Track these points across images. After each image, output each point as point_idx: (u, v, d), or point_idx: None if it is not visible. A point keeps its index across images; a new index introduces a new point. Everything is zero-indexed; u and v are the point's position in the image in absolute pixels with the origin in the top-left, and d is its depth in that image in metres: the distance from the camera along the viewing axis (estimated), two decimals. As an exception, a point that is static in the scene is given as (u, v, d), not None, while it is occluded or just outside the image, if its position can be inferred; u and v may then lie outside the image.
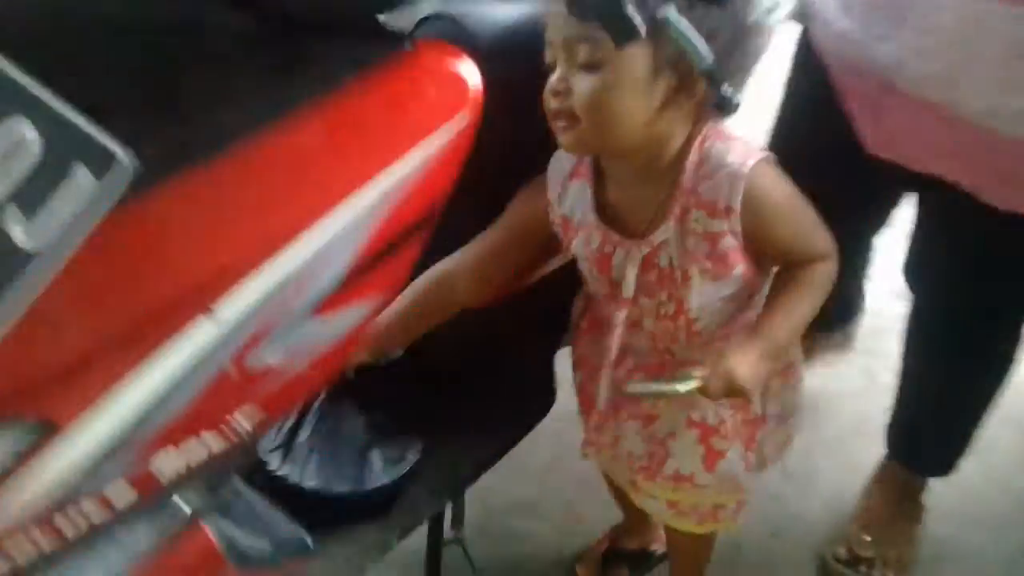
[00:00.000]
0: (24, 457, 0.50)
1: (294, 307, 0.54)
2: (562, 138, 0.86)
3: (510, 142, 0.76)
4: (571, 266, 1.07)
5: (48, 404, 0.50)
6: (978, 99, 1.00)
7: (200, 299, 0.52)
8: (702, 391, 0.93)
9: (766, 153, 0.97)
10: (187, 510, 0.57)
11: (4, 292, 0.42)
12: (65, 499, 0.51)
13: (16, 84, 0.44)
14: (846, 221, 1.03)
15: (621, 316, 1.02)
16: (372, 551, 1.12)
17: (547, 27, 0.82)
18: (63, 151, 0.42)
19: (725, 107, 0.86)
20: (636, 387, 1.03)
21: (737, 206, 0.93)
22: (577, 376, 1.15)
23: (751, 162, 0.93)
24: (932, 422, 1.48)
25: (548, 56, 0.82)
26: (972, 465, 1.52)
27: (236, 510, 0.80)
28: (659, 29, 0.80)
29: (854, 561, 1.45)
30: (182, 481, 0.55)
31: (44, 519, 0.51)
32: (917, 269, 1.35)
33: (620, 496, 1.28)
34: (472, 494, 1.33)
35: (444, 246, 0.87)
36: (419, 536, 1.29)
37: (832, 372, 1.70)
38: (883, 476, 1.52)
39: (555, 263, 1.13)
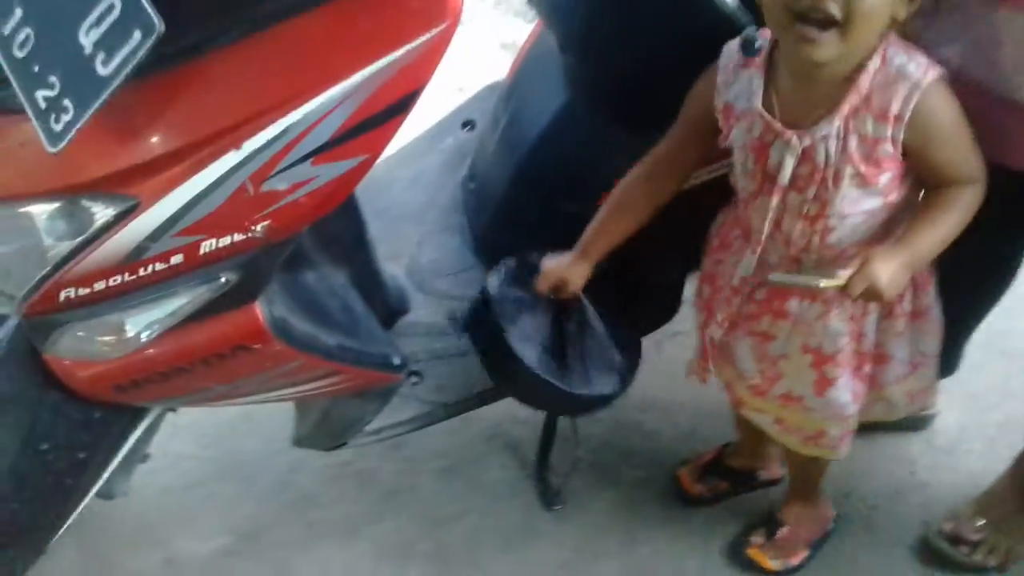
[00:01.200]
0: (119, 218, 0.80)
1: (296, 152, 0.80)
2: (813, 48, 0.95)
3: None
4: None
5: (136, 187, 0.80)
6: None
7: (233, 137, 0.78)
8: (843, 289, 1.05)
9: (943, 71, 1.03)
10: (224, 280, 0.86)
11: (88, 109, 0.70)
12: (141, 250, 0.82)
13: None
14: None
15: (773, 202, 1.11)
16: (480, 396, 1.41)
17: None
18: (130, 16, 0.69)
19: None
20: (780, 276, 1.13)
21: (907, 116, 1.01)
22: (704, 290, 1.31)
23: (931, 76, 1.01)
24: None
25: None
26: None
27: (310, 298, 1.08)
28: None
29: (956, 540, 1.48)
30: (218, 259, 0.84)
31: (125, 265, 0.82)
32: None
33: (739, 415, 1.43)
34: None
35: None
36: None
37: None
38: (1022, 463, 1.51)
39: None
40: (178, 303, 0.86)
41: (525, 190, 1.42)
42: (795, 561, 1.47)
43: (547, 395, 1.30)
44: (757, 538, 1.48)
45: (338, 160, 0.81)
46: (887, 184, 1.08)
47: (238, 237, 0.83)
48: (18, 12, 0.76)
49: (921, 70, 1.01)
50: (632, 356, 1.37)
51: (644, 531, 1.51)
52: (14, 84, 0.75)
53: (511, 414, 1.64)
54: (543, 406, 1.46)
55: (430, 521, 1.54)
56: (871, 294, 1.03)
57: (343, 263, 1.23)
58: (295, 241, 0.88)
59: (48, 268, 0.83)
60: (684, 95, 1.21)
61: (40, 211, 0.82)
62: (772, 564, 1.46)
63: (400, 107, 0.80)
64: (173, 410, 1.23)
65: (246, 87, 0.78)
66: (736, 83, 1.11)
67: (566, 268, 1.27)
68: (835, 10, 0.92)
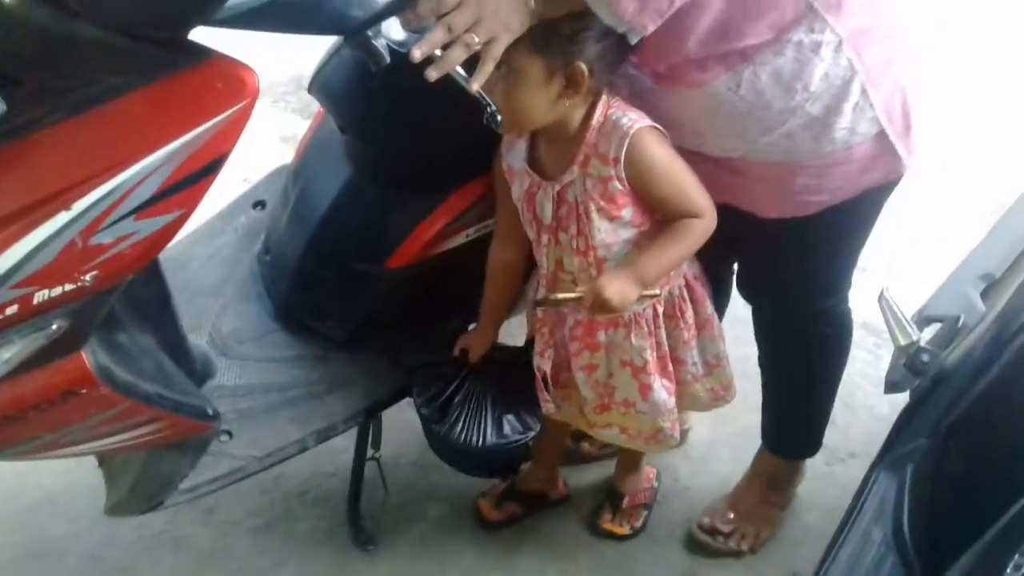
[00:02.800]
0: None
1: (122, 209, 0.96)
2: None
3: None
4: None
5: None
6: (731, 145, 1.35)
7: (61, 199, 0.94)
8: (580, 302, 1.34)
9: (646, 122, 1.30)
10: (55, 327, 0.99)
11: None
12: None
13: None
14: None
15: (544, 240, 1.41)
16: (288, 448, 1.54)
17: None
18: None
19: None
20: (539, 296, 1.45)
21: (621, 156, 1.28)
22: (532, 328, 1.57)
23: (637, 125, 1.28)
24: (785, 408, 1.80)
25: None
26: (858, 467, 1.85)
27: (126, 354, 1.21)
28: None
29: (713, 532, 1.77)
30: (50, 308, 0.97)
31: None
32: (742, 281, 1.68)
33: (542, 442, 1.65)
34: (402, 423, 1.72)
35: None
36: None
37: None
38: (758, 463, 1.84)
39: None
40: (12, 350, 0.99)
41: (318, 256, 1.60)
42: (638, 523, 1.80)
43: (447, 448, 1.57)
44: (607, 514, 1.79)
45: (158, 215, 0.98)
46: (632, 216, 1.35)
47: (69, 287, 0.97)
48: None
49: (631, 122, 1.29)
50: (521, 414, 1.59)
51: (451, 556, 1.69)
52: None
53: (320, 469, 1.79)
54: (452, 460, 1.65)
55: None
56: (603, 306, 1.30)
57: (151, 329, 1.36)
58: (119, 290, 1.03)
59: None
60: (450, 159, 1.48)
61: None
62: (624, 530, 1.79)
63: (210, 169, 0.99)
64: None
65: (76, 157, 0.94)
66: (512, 148, 1.42)
67: (468, 338, 1.58)
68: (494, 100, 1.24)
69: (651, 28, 1.15)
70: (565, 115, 1.31)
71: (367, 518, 1.71)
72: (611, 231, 1.36)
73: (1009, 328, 1.26)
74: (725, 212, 1.39)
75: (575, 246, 1.39)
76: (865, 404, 2.15)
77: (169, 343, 1.39)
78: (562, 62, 1.23)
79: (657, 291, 1.40)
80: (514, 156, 1.42)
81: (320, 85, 1.51)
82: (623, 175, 1.31)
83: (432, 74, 1.10)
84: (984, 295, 1.58)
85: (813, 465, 1.91)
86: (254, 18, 1.05)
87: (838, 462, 2.01)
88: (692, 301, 1.48)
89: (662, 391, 1.50)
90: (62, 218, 0.94)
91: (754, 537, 1.79)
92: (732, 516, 1.79)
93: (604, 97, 1.32)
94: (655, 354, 1.48)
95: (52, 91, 0.93)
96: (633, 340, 1.45)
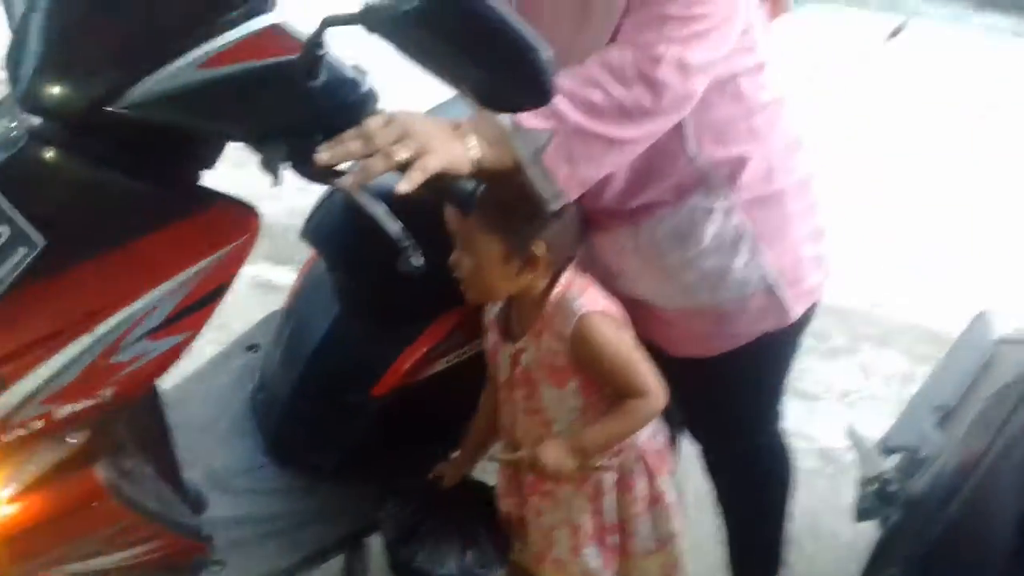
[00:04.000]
0: (-12, 397, 1.06)
1: (138, 331, 1.10)
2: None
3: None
4: None
5: (3, 371, 1.06)
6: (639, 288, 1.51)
7: (85, 324, 1.08)
8: (520, 461, 1.43)
9: (603, 308, 1.39)
10: (74, 442, 1.11)
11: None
12: (7, 419, 1.07)
13: None
14: None
15: (502, 396, 1.52)
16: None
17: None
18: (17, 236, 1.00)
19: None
20: (494, 453, 1.55)
21: (567, 335, 1.37)
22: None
23: (587, 309, 1.37)
24: (740, 540, 1.91)
25: None
26: None
27: (131, 475, 1.32)
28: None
29: None
30: (71, 423, 1.10)
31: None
32: (685, 422, 1.81)
33: None
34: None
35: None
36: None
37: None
38: None
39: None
40: (37, 462, 1.11)
41: (309, 389, 1.75)
42: None
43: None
44: None
45: (170, 336, 1.12)
46: (579, 388, 1.42)
47: (89, 402, 1.10)
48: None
49: (580, 307, 1.37)
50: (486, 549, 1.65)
51: None
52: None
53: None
54: None
55: None
56: (540, 469, 1.40)
57: (151, 458, 1.48)
58: (155, 402, 1.16)
59: (-80, 443, 1.05)
60: (429, 292, 1.64)
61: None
62: None
63: (215, 295, 1.15)
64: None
65: (100, 287, 1.10)
66: (494, 307, 1.54)
67: (444, 467, 1.69)
68: (456, 273, 1.39)
69: (573, 196, 1.24)
70: (528, 287, 1.39)
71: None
72: (558, 399, 1.45)
73: (970, 459, 1.39)
74: (647, 346, 1.52)
75: (524, 408, 1.49)
76: (829, 531, 2.27)
77: (166, 472, 1.50)
78: (520, 242, 1.32)
79: (601, 463, 1.46)
80: (491, 309, 1.55)
81: (312, 230, 1.69)
82: (569, 351, 1.39)
83: (346, 180, 1.09)
84: (940, 425, 1.73)
85: None
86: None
87: None
88: (646, 474, 1.51)
89: (596, 559, 1.53)
90: (85, 340, 1.09)
91: None
92: None
93: (568, 271, 1.41)
94: (594, 520, 1.52)
95: (83, 232, 1.09)
96: (575, 501, 1.50)
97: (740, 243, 1.42)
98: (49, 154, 1.10)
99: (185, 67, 1.06)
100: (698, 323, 1.51)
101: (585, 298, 1.39)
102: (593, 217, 1.45)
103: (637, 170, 1.36)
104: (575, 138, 1.17)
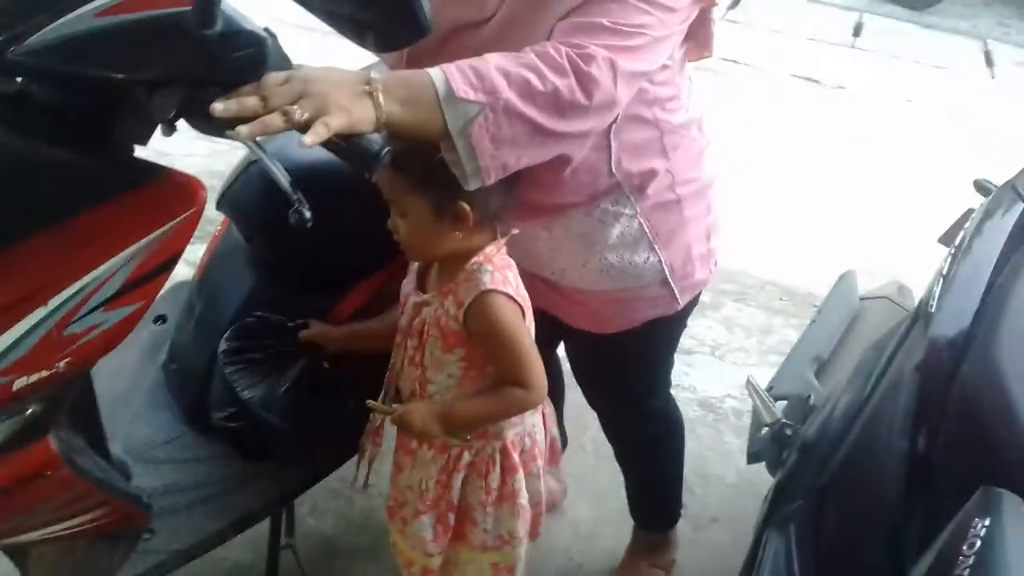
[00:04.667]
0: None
1: (91, 303, 1.14)
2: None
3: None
4: None
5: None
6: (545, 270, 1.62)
7: (40, 297, 1.11)
8: (389, 416, 1.48)
9: (511, 292, 1.41)
10: (30, 411, 1.14)
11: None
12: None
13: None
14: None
15: (398, 339, 1.55)
16: (208, 540, 1.65)
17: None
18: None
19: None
20: (371, 403, 1.53)
21: (464, 305, 1.40)
22: None
23: (483, 289, 1.39)
24: (641, 491, 2.10)
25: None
26: (720, 531, 2.16)
27: (76, 447, 1.34)
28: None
29: None
30: (27, 394, 1.13)
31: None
32: (582, 390, 1.96)
33: None
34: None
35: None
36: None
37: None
38: (634, 537, 2.14)
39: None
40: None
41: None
42: None
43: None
44: None
45: (123, 307, 1.16)
46: (462, 359, 1.46)
47: (45, 373, 1.13)
48: None
49: (490, 282, 1.40)
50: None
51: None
52: None
53: (240, 560, 1.91)
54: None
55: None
56: (406, 424, 1.46)
57: (81, 431, 1.50)
58: (85, 376, 1.19)
59: None
60: (350, 260, 1.71)
61: None
62: None
63: (165, 266, 1.19)
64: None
65: (51, 261, 1.12)
66: None
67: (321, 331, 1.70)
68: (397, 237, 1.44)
69: (492, 179, 1.26)
70: (461, 247, 1.42)
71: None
72: (440, 362, 1.48)
73: (855, 404, 1.58)
74: (543, 316, 1.66)
75: (411, 356, 1.52)
76: (716, 474, 2.51)
77: (95, 444, 1.52)
78: (446, 200, 1.36)
79: (464, 438, 1.50)
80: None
81: (229, 200, 1.72)
82: (462, 322, 1.42)
83: (242, 131, 1.07)
84: (817, 375, 1.93)
85: (684, 533, 2.23)
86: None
87: (703, 528, 2.33)
88: (502, 467, 1.53)
89: (428, 529, 1.56)
90: (40, 313, 1.11)
91: None
92: None
93: (493, 246, 1.44)
94: (438, 491, 1.54)
95: (31, 207, 1.12)
96: (431, 466, 1.54)
97: (640, 242, 1.58)
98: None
99: (83, 15, 1.06)
100: (596, 304, 1.66)
101: (496, 276, 1.42)
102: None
103: (560, 177, 1.47)
104: (504, 117, 1.20)
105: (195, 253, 2.03)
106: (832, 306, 2.27)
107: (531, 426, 1.57)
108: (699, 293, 1.75)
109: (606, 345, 1.72)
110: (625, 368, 1.83)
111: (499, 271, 1.43)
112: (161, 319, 1.99)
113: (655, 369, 1.90)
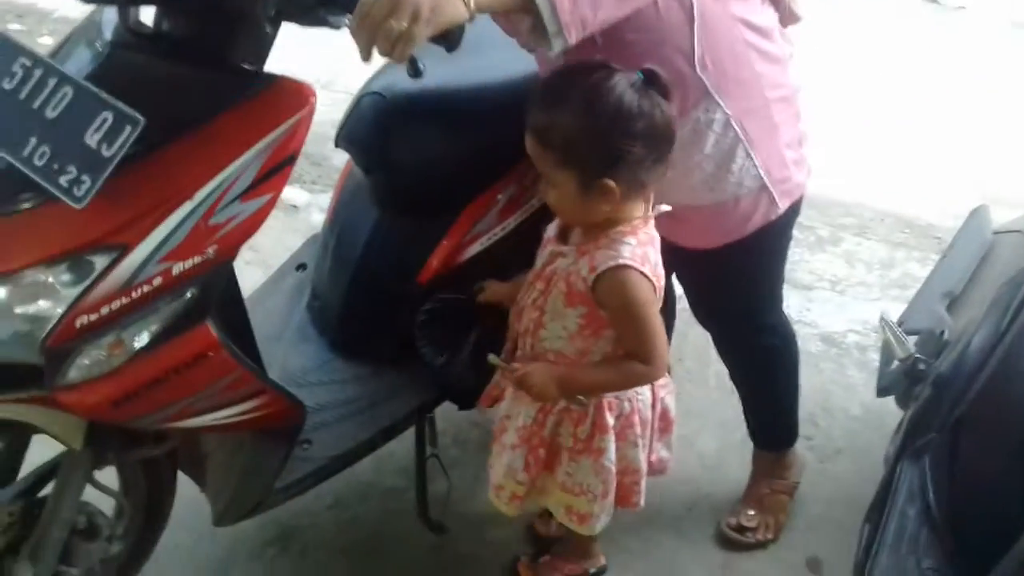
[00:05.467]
0: (114, 261, 1.26)
1: (230, 195, 1.31)
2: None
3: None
4: None
5: (124, 236, 1.26)
6: None
7: (187, 191, 1.29)
8: (507, 374, 1.56)
9: (647, 270, 1.44)
10: (189, 295, 1.32)
11: (101, 176, 1.19)
12: (132, 279, 1.27)
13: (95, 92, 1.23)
14: None
15: (529, 278, 1.59)
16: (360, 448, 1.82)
17: None
18: (120, 119, 1.21)
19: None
20: (491, 358, 1.60)
21: (597, 271, 1.44)
22: None
23: (620, 262, 1.42)
24: (757, 411, 2.14)
25: None
26: (845, 462, 2.23)
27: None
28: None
29: (740, 529, 2.09)
30: (185, 279, 1.30)
31: (123, 291, 1.27)
32: (693, 311, 2.04)
33: None
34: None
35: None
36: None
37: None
38: (755, 461, 2.19)
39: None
40: (160, 317, 1.31)
41: (363, 290, 1.95)
42: None
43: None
44: (525, 557, 1.97)
45: (257, 197, 1.33)
46: (581, 317, 1.50)
47: (197, 259, 1.31)
48: (32, 140, 1.24)
49: (624, 255, 1.43)
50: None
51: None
52: (39, 181, 1.22)
53: (392, 485, 2.08)
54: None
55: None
56: (526, 386, 1.51)
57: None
58: (231, 263, 1.36)
59: (64, 308, 1.25)
60: (460, 180, 1.84)
61: (54, 271, 1.26)
62: None
63: (289, 160, 1.35)
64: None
65: (193, 162, 1.30)
66: None
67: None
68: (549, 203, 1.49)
69: (573, 38, 1.32)
70: (611, 215, 1.46)
71: (435, 507, 1.97)
72: (560, 314, 1.53)
73: (991, 339, 1.59)
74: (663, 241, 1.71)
75: (535, 298, 1.57)
76: (840, 407, 2.52)
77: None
78: (590, 178, 1.40)
79: (581, 404, 1.54)
80: None
81: (345, 136, 1.89)
82: (590, 287, 1.47)
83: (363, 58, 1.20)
84: (949, 310, 1.94)
85: (808, 464, 2.26)
86: None
87: (828, 459, 2.35)
88: (593, 422, 1.57)
89: (519, 460, 1.62)
90: (187, 206, 1.29)
91: (774, 525, 2.10)
92: (752, 513, 2.10)
93: (640, 219, 1.48)
94: (532, 428, 1.60)
95: (174, 118, 1.31)
96: (527, 404, 1.61)
97: (735, 148, 1.64)
98: (129, 56, 1.34)
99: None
100: (699, 218, 1.73)
101: (637, 251, 1.45)
102: None
103: None
104: None
105: (326, 201, 2.22)
106: (963, 241, 2.25)
107: (633, 393, 1.60)
108: (800, 200, 1.80)
109: (716, 261, 1.78)
110: (737, 283, 1.88)
111: (641, 246, 1.46)
112: (302, 267, 2.18)
113: (765, 283, 1.94)
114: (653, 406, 1.64)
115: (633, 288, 1.44)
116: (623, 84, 1.38)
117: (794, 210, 1.79)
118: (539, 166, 1.46)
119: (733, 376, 2.10)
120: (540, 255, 1.61)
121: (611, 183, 1.40)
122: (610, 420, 1.58)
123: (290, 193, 3.12)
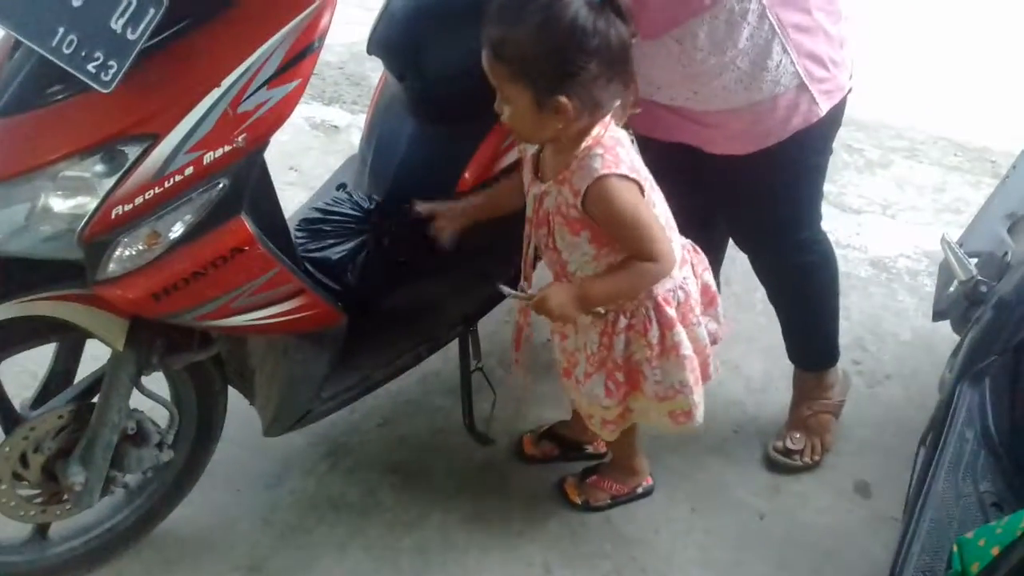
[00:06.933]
0: (146, 151, 1.26)
1: (256, 82, 1.29)
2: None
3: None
4: None
5: (154, 125, 1.26)
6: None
7: (214, 78, 1.28)
8: (527, 303, 1.55)
9: (624, 171, 1.44)
10: (220, 185, 1.31)
11: (127, 60, 1.18)
12: (164, 168, 1.26)
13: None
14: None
15: (527, 229, 1.62)
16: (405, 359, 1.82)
17: None
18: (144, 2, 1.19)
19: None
20: (504, 290, 1.58)
21: (582, 194, 1.45)
22: None
23: (596, 176, 1.42)
24: (795, 329, 2.09)
25: None
26: (895, 387, 2.19)
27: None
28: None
29: (786, 452, 2.05)
30: (216, 168, 1.30)
31: (155, 181, 1.27)
32: (729, 231, 1.97)
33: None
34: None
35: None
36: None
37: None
38: (797, 382, 2.12)
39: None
40: (193, 208, 1.31)
41: (400, 201, 1.92)
42: (594, 502, 1.93)
43: None
44: (572, 477, 1.96)
45: (284, 84, 1.32)
46: (591, 240, 1.50)
47: (227, 148, 1.30)
48: (60, 30, 1.24)
49: (602, 166, 1.43)
50: None
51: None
52: (68, 69, 1.22)
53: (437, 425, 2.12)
54: None
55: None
56: (545, 311, 1.52)
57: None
58: (262, 152, 1.35)
59: (100, 199, 1.26)
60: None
61: (88, 163, 1.26)
62: (576, 499, 1.93)
63: (311, 48, 1.34)
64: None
65: (218, 48, 1.29)
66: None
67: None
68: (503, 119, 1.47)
69: None
70: (564, 133, 1.45)
71: (481, 421, 1.98)
72: (572, 244, 1.54)
73: None
74: (684, 151, 1.69)
75: (545, 243, 1.59)
76: (890, 332, 2.46)
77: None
78: (545, 92, 1.39)
79: (600, 315, 1.56)
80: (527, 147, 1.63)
81: (377, 42, 1.87)
82: (580, 208, 1.47)
83: None
84: (1010, 231, 1.86)
85: (858, 388, 2.22)
86: None
87: (877, 384, 2.30)
88: (659, 323, 1.58)
89: (599, 387, 1.64)
90: (215, 93, 1.28)
91: (820, 447, 2.06)
92: (798, 435, 2.06)
93: (600, 127, 1.46)
94: (602, 353, 1.61)
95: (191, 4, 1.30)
96: (591, 332, 1.61)
97: (772, 44, 1.57)
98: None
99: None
100: (735, 122, 1.66)
101: (607, 158, 1.44)
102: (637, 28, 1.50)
103: None
104: None
105: (363, 120, 2.21)
106: (1026, 162, 2.16)
107: (682, 279, 1.60)
108: (842, 106, 1.71)
109: (752, 168, 1.70)
110: (775, 193, 1.80)
111: (609, 152, 1.45)
112: (342, 187, 2.16)
113: (804, 195, 1.86)
114: (696, 283, 1.65)
115: (616, 194, 1.44)
116: (579, 2, 1.36)
117: (835, 118, 1.71)
118: (494, 81, 1.44)
119: (771, 296, 2.04)
120: (527, 203, 1.61)
121: (564, 100, 1.39)
122: (672, 313, 1.58)
123: (330, 113, 3.12)
